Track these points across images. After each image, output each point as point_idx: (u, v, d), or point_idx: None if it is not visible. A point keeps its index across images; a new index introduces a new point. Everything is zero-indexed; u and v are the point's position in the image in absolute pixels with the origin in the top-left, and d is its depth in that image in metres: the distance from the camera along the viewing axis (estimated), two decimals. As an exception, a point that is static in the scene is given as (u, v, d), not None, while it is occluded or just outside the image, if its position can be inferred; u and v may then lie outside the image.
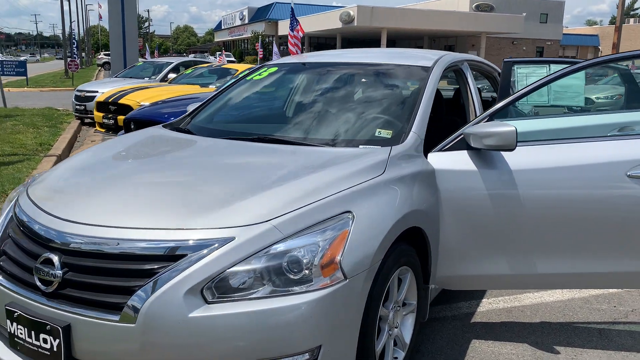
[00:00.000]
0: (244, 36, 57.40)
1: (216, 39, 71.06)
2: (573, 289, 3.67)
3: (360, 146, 2.74)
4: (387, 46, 47.43)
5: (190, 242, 1.93)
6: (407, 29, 39.19)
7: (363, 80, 3.40)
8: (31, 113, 12.27)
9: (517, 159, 2.77)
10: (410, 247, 2.53)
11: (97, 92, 10.83)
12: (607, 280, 2.90)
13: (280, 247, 1.96)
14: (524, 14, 42.12)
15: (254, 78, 3.69)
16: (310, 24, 44.22)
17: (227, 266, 1.90)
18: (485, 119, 2.84)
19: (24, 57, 39.29)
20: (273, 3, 54.45)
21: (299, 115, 3.29)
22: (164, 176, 2.44)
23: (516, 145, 2.63)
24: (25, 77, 23.82)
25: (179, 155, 2.78)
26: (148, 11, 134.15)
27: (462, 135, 2.79)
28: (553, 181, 2.74)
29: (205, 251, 1.91)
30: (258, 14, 55.57)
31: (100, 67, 45.70)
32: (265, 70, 3.74)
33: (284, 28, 49.06)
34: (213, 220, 2.00)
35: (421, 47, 48.29)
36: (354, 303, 2.05)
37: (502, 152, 2.78)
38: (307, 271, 1.95)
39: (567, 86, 3.83)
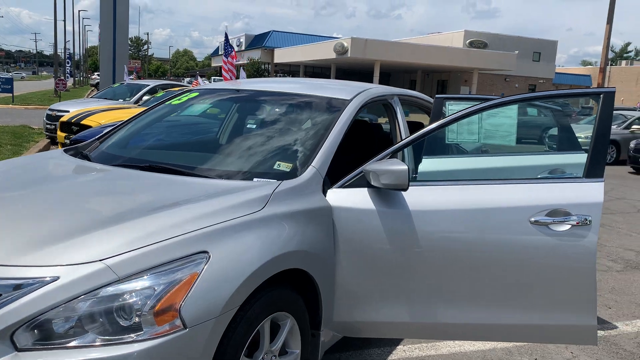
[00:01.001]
0: (240, 62, 57.78)
1: (213, 64, 71.56)
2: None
3: (255, 179, 2.57)
4: (381, 78, 47.93)
5: (7, 281, 1.73)
6: (401, 62, 39.51)
7: (277, 110, 3.25)
8: (2, 130, 12.09)
9: (419, 199, 2.61)
10: (291, 291, 2.33)
11: (67, 111, 10.68)
12: (510, 333, 2.70)
13: (110, 289, 1.76)
14: (517, 51, 42.63)
15: (172, 102, 3.54)
16: (306, 53, 44.63)
17: (46, 308, 1.70)
18: (388, 156, 2.68)
19: (10, 74, 39.27)
20: (270, 31, 55.02)
21: (203, 144, 3.12)
22: (15, 206, 2.24)
23: (409, 185, 2.47)
24: (11, 94, 23.81)
25: (48, 183, 2.59)
26: (147, 34, 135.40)
27: (363, 172, 2.62)
28: (453, 224, 2.57)
29: (23, 291, 1.72)
30: (255, 41, 56.12)
31: (93, 87, 45.81)
32: (185, 95, 3.58)
33: (280, 56, 49.54)
34: (38, 257, 1.80)
35: (414, 81, 48.72)
36: (196, 355, 1.84)
37: (403, 192, 2.61)
38: (137, 318, 1.75)
39: (499, 125, 3.69)
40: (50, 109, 11.48)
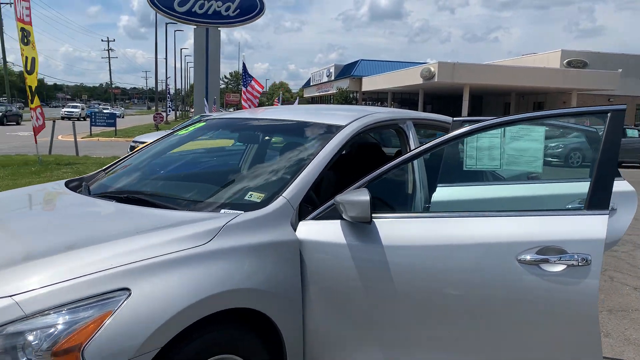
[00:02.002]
0: (329, 92, 58.78)
1: (305, 95, 73.34)
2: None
3: (222, 210, 2.46)
4: (473, 102, 46.61)
5: None
6: (493, 84, 38.19)
7: (267, 138, 3.14)
8: (91, 162, 13.00)
9: (394, 232, 2.37)
10: (243, 332, 2.17)
11: (146, 142, 11.28)
12: None
13: (15, 326, 1.70)
14: (620, 70, 39.75)
15: (179, 133, 3.55)
16: (393, 80, 44.48)
17: None
18: (363, 186, 2.46)
19: (113, 111, 42.55)
20: (359, 60, 55.54)
21: (190, 173, 3.07)
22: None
23: (371, 218, 2.24)
24: (114, 128, 25.70)
25: (16, 214, 2.63)
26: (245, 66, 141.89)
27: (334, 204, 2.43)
28: (430, 262, 2.30)
29: None
30: (344, 71, 56.85)
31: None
32: (193, 125, 3.58)
33: (367, 84, 49.78)
34: None
35: (509, 104, 46.85)
36: (103, 400, 1.73)
37: (377, 224, 2.39)
38: (35, 359, 1.68)
39: (523, 150, 3.33)
40: (133, 141, 12.20)
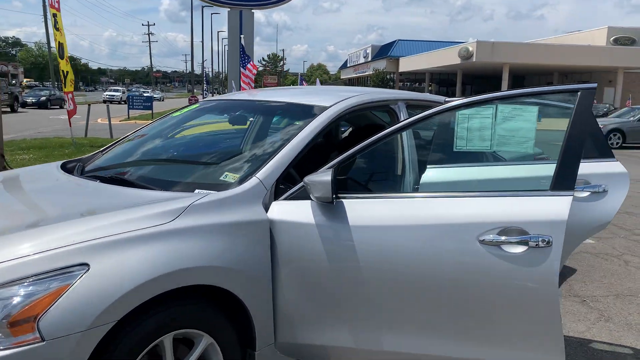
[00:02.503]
0: (366, 73, 58.28)
1: (342, 76, 72.98)
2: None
3: (197, 190, 2.52)
4: (514, 82, 45.42)
5: None
6: (534, 64, 37.07)
7: (251, 119, 3.18)
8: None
9: (362, 213, 2.38)
10: (207, 308, 2.24)
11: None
12: None
13: None
14: (671, 46, 37.90)
15: (173, 114, 3.62)
16: (431, 60, 43.73)
17: None
18: (334, 167, 2.47)
19: (152, 94, 43.46)
20: (396, 40, 54.79)
21: (176, 154, 3.13)
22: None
23: (333, 199, 2.26)
24: (150, 111, 26.25)
25: (4, 193, 2.76)
26: (283, 51, 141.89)
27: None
28: (395, 242, 2.30)
29: None
30: (381, 52, 56.20)
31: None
32: (187, 107, 3.65)
33: (405, 64, 49.10)
34: None
35: (551, 83, 45.41)
36: (55, 369, 1.83)
37: (346, 204, 2.40)
38: None
39: (515, 130, 3.26)
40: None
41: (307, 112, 2.94)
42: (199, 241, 2.20)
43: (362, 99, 3.12)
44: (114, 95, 46.75)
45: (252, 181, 2.49)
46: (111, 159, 3.22)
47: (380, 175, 2.89)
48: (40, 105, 34.72)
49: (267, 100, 3.30)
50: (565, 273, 4.82)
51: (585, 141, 2.22)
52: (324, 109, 2.91)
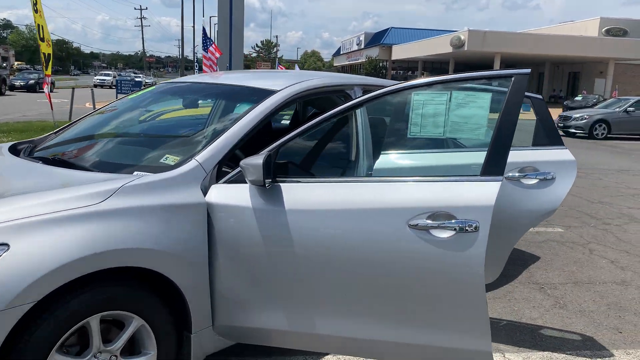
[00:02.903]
0: (359, 61, 58.06)
1: (335, 64, 72.66)
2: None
3: (136, 172, 2.51)
4: (505, 72, 45.34)
5: None
6: (526, 54, 37.04)
7: (200, 102, 3.15)
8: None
9: (297, 197, 2.38)
10: (138, 290, 2.23)
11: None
12: (393, 353, 2.36)
13: None
14: (662, 38, 37.92)
15: (131, 96, 3.59)
16: (424, 48, 43.60)
17: None
18: (272, 150, 2.46)
19: (143, 79, 43.26)
20: (389, 28, 54.57)
21: (125, 136, 3.10)
22: None
23: (264, 182, 2.26)
24: (139, 96, 26.07)
25: None
26: (276, 37, 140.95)
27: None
28: (328, 226, 2.30)
29: None
30: (374, 39, 55.97)
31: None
32: (145, 89, 3.62)
33: (397, 52, 48.91)
34: None
35: (542, 73, 45.44)
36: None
37: (283, 188, 2.40)
38: None
39: (468, 117, 3.26)
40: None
41: (256, 95, 2.92)
42: (129, 223, 2.19)
43: (314, 82, 3.10)
44: (104, 80, 46.42)
45: (191, 164, 2.48)
46: (60, 140, 3.19)
47: (329, 160, 2.87)
48: (29, 88, 34.36)
49: (221, 83, 3.27)
50: (527, 260, 4.85)
51: (515, 126, 2.21)
52: (273, 92, 2.90)
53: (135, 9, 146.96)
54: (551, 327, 3.52)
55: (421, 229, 2.17)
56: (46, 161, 2.72)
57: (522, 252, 5.09)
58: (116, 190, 2.24)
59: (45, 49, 12.16)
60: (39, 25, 12.14)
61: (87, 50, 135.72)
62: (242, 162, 2.35)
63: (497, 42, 35.75)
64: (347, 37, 65.92)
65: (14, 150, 3.08)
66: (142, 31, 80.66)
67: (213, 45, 13.27)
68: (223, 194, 2.45)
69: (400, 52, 48.86)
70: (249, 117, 2.72)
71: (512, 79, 2.27)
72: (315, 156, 2.95)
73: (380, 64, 52.20)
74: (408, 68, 52.97)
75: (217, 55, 13.10)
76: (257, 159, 2.27)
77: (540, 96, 3.46)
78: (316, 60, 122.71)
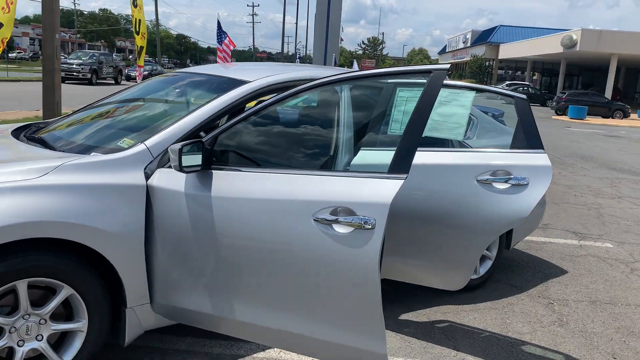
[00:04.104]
0: (464, 59, 56.29)
1: (441, 62, 71.02)
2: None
3: (93, 152, 2.68)
4: (627, 75, 41.95)
5: None
6: (648, 55, 33.96)
7: (176, 90, 3.29)
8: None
9: (224, 185, 2.44)
10: (67, 260, 2.38)
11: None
12: (297, 344, 2.34)
13: None
14: None
15: (141, 83, 3.81)
16: (533, 48, 41.39)
17: None
18: (210, 138, 2.53)
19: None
20: (497, 26, 52.33)
21: (100, 119, 3.30)
22: None
23: (181, 168, 2.33)
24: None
25: None
26: (382, 34, 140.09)
27: None
28: (245, 216, 2.34)
29: None
30: (481, 37, 53.98)
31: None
32: (155, 77, 3.83)
33: (505, 51, 46.84)
34: None
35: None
36: None
37: (214, 175, 2.47)
38: None
39: (449, 115, 3.14)
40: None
41: (226, 85, 3.00)
42: (61, 198, 2.35)
43: (290, 75, 3.12)
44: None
45: (138, 147, 2.61)
46: (60, 123, 3.47)
47: (272, 149, 2.88)
48: (144, 78, 37.02)
49: (206, 74, 3.39)
50: (551, 273, 4.53)
51: (425, 123, 2.10)
52: (242, 83, 2.96)
53: (247, 5, 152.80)
54: (536, 344, 3.28)
55: (324, 223, 2.14)
56: (31, 139, 2.99)
57: (549, 265, 4.75)
58: (55, 167, 2.42)
59: (140, 41, 13.05)
60: (136, 19, 13.07)
61: (204, 45, 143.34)
62: (169, 147, 2.44)
63: (614, 42, 33.08)
64: (453, 35, 64.17)
65: (25, 128, 3.41)
66: (253, 27, 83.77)
67: (227, 38, 13.62)
68: (164, 178, 2.55)
69: (508, 51, 46.73)
70: (210, 105, 2.81)
71: (431, 74, 2.16)
72: (264, 145, 2.96)
73: (486, 63, 50.25)
74: (516, 68, 50.53)
75: (231, 47, 13.45)
76: (177, 145, 2.34)
77: (524, 96, 3.21)
78: (423, 58, 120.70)
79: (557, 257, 4.98)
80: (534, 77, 49.07)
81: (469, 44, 55.18)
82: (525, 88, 38.78)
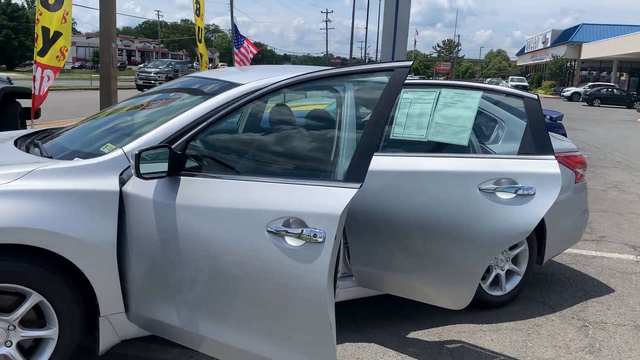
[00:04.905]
0: (544, 60, 53.74)
1: (519, 63, 68.31)
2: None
3: (76, 158, 2.67)
4: None
5: None
6: None
7: (173, 95, 3.22)
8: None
9: (189, 192, 2.33)
10: (34, 267, 2.34)
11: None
12: None
13: None
14: None
15: (160, 86, 3.82)
16: (620, 46, 38.85)
17: None
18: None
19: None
20: (580, 25, 49.58)
21: (95, 126, 3.27)
22: None
23: (140, 174, 2.25)
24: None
25: None
26: (458, 36, 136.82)
27: None
28: (202, 224, 2.22)
29: None
30: (562, 37, 51.33)
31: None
32: (175, 81, 3.81)
33: (588, 51, 44.36)
34: None
35: None
36: None
37: (182, 182, 2.37)
38: None
39: (453, 118, 2.89)
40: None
41: (220, 88, 2.91)
42: (30, 204, 2.33)
43: (286, 77, 2.98)
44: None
45: (114, 153, 2.55)
46: (66, 128, 3.51)
47: (237, 156, 2.72)
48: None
49: (207, 77, 3.31)
50: (594, 291, 4.09)
51: (385, 125, 1.88)
52: (234, 86, 2.86)
53: (321, 12, 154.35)
54: (558, 372, 2.93)
55: (277, 234, 1.97)
56: (29, 144, 3.03)
57: (593, 282, 4.30)
58: (26, 173, 2.40)
59: (201, 49, 13.38)
60: (198, 27, 13.42)
61: (280, 53, 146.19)
62: (132, 152, 2.36)
63: None
64: (533, 36, 61.48)
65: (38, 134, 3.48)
66: (327, 34, 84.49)
67: (247, 42, 13.54)
68: (137, 184, 2.48)
69: (592, 50, 44.13)
70: (196, 109, 2.71)
71: (394, 72, 1.94)
72: (231, 152, 2.81)
73: (567, 64, 47.72)
74: (601, 69, 47.60)
75: (251, 49, 13.34)
76: (136, 150, 2.26)
77: (535, 96, 2.85)
78: (502, 60, 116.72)
79: (605, 274, 4.50)
80: (622, 78, 46.03)
81: (548, 44, 52.65)
82: (610, 90, 36.46)
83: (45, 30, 7.30)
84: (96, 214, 2.42)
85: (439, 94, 2.93)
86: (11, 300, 2.39)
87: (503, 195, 2.66)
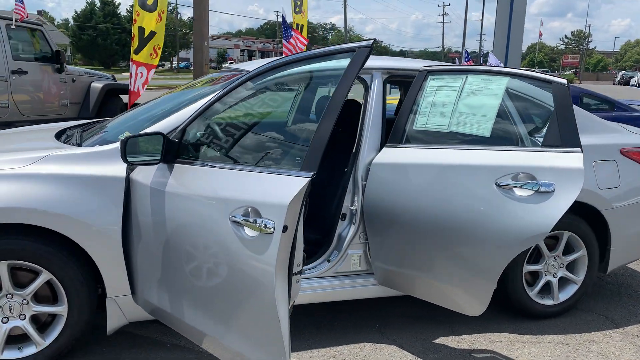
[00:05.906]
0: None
1: (659, 54, 61.65)
2: None
3: (97, 145, 2.79)
4: None
5: None
6: None
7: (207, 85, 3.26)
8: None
9: (178, 180, 2.37)
10: (47, 247, 2.49)
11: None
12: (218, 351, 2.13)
13: None
14: None
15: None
16: None
17: None
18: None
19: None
20: None
21: (136, 113, 3.38)
22: None
23: (126, 159, 2.29)
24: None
25: None
26: (589, 26, 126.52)
27: None
28: (180, 211, 2.24)
29: None
30: None
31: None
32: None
33: None
34: None
35: None
36: None
37: (176, 169, 2.40)
38: None
39: (477, 107, 2.66)
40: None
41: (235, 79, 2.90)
42: (41, 187, 2.47)
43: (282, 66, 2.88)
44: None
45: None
46: (109, 120, 3.69)
47: (222, 144, 2.67)
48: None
49: (239, 69, 3.33)
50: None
51: (338, 112, 1.73)
52: (240, 72, 2.85)
53: (438, 5, 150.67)
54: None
55: (238, 223, 1.91)
56: (72, 133, 3.23)
57: (673, 296, 3.74)
58: (40, 158, 2.55)
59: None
60: (297, 24, 13.67)
61: (396, 49, 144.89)
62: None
63: None
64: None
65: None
66: (443, 28, 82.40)
67: (295, 32, 13.05)
68: (142, 171, 2.54)
69: None
70: (205, 100, 2.73)
71: (355, 52, 1.78)
72: (218, 140, 2.76)
73: None
74: None
75: (305, 42, 12.84)
76: (123, 136, 2.30)
77: (564, 81, 2.45)
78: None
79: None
80: None
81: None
82: None
83: (141, 30, 7.81)
84: (103, 199, 2.51)
85: (465, 80, 2.69)
86: (27, 277, 2.55)
87: (519, 192, 2.37)
